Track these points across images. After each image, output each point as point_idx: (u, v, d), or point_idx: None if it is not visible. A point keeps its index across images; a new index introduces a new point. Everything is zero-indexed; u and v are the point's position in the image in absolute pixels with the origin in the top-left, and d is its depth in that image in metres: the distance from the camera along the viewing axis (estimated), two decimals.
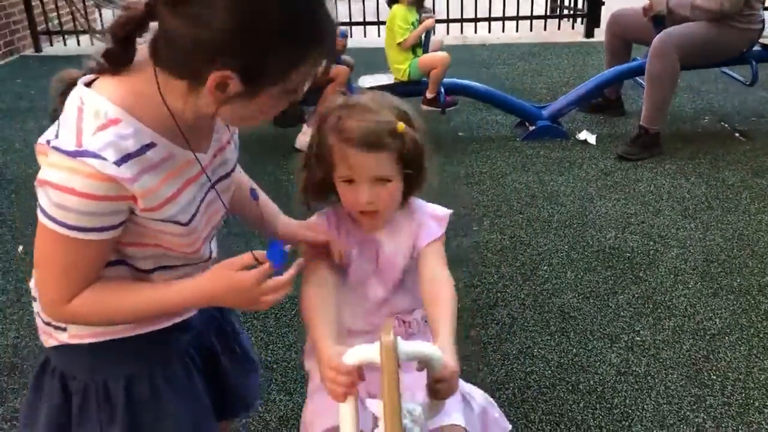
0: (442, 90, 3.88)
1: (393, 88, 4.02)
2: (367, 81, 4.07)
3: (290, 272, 1.06)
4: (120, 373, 1.10)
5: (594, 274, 2.54)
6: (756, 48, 3.79)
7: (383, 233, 1.31)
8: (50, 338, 1.11)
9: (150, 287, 1.06)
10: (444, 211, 1.35)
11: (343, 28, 4.02)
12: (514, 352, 2.12)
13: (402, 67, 3.89)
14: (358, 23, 6.42)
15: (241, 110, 0.97)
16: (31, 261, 2.68)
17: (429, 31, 3.97)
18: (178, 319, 1.14)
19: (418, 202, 1.35)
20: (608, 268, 2.57)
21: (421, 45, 3.92)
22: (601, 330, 2.22)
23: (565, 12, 6.95)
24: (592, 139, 3.83)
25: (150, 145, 0.96)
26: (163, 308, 1.06)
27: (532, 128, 3.91)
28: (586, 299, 2.39)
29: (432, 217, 1.33)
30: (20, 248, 2.83)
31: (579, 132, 3.91)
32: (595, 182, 3.32)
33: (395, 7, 3.86)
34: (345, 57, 4.00)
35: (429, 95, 3.91)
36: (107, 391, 1.10)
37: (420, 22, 3.88)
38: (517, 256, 2.66)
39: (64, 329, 1.09)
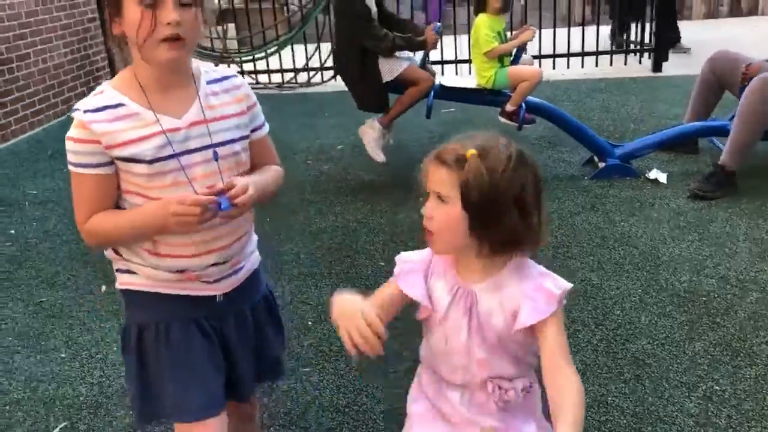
0: (524, 106, 3.88)
1: (472, 93, 4.07)
2: (449, 80, 4.12)
3: (200, 198, 1.29)
4: (134, 321, 1.45)
5: (669, 319, 2.48)
6: None
7: (482, 287, 1.27)
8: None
9: (128, 211, 1.36)
10: (558, 286, 1.24)
11: (437, 23, 4.11)
12: (588, 400, 2.08)
13: (487, 74, 3.91)
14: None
15: (131, 37, 1.29)
16: (113, 300, 2.80)
17: (521, 46, 3.99)
18: (192, 293, 1.42)
19: (533, 269, 1.27)
20: (683, 313, 2.51)
21: (510, 56, 3.93)
22: (677, 378, 2.16)
23: (632, 47, 6.88)
24: (663, 178, 3.76)
25: (119, 105, 1.32)
26: (133, 226, 1.34)
27: (602, 166, 3.87)
28: (661, 345, 2.33)
29: (540, 290, 1.23)
30: (103, 288, 2.97)
31: (649, 171, 3.84)
32: (667, 223, 3.25)
33: (481, 15, 3.90)
34: (429, 66, 4.07)
35: (510, 107, 3.91)
36: (127, 334, 1.46)
37: (507, 31, 3.92)
38: (588, 300, 2.63)
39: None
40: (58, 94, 6.17)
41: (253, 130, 1.47)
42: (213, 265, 1.42)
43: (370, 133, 3.96)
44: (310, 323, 2.60)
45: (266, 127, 1.52)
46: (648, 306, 2.57)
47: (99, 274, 3.10)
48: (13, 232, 3.64)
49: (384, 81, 3.86)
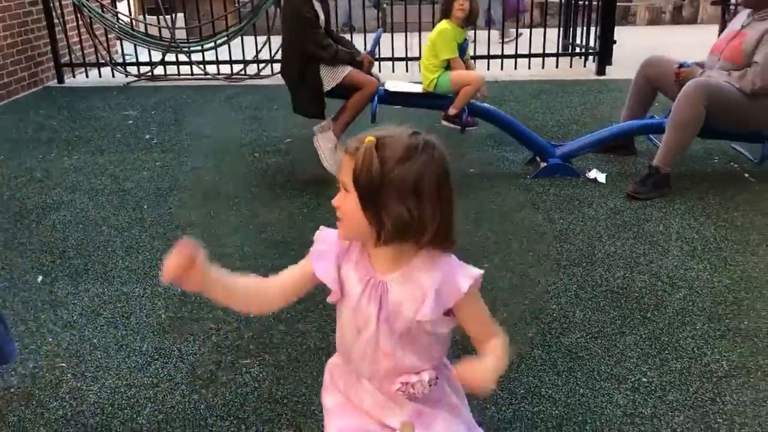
0: (466, 109, 3.95)
1: (418, 97, 4.11)
2: (392, 85, 4.15)
3: None
4: None
5: (602, 314, 2.56)
6: None
7: (393, 278, 1.28)
8: None
9: None
10: (475, 271, 1.28)
11: (380, 29, 4.12)
12: (521, 391, 2.15)
13: (432, 76, 3.96)
14: None
15: None
16: (49, 291, 2.76)
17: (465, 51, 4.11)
18: None
19: (444, 260, 1.28)
20: (616, 308, 2.60)
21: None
22: (608, 370, 2.24)
23: (577, 50, 7.05)
24: (602, 177, 3.87)
25: None
26: None
27: (543, 165, 3.96)
28: (594, 339, 2.41)
29: (447, 281, 1.26)
30: (39, 278, 2.90)
31: (589, 171, 3.96)
32: (604, 221, 3.36)
33: (444, 22, 3.95)
34: (375, 72, 4.10)
35: (452, 111, 3.98)
36: None
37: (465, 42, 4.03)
38: (525, 295, 2.70)
39: None
40: None
41: None
42: None
43: (326, 143, 3.94)
44: (251, 315, 2.59)
45: None
46: (583, 301, 2.65)
47: (36, 264, 3.03)
48: None
49: (326, 88, 3.87)
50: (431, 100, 4.07)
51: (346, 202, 1.22)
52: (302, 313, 2.58)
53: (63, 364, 2.31)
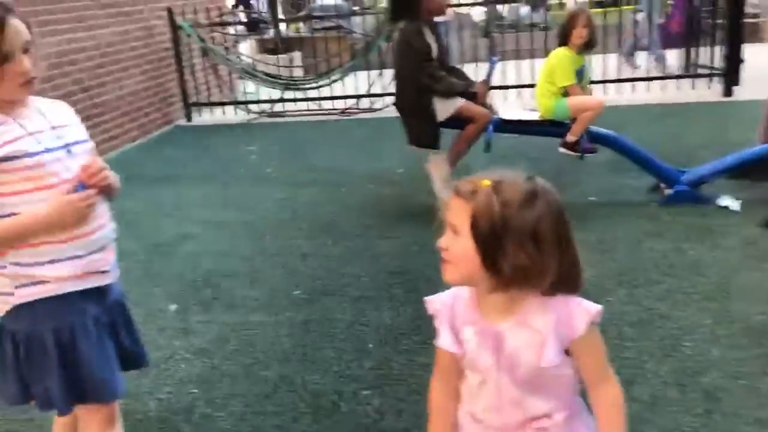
0: (585, 136, 3.85)
1: (535, 125, 4.04)
2: (509, 113, 4.11)
3: (82, 193, 1.54)
4: (49, 326, 1.57)
5: (742, 352, 2.38)
6: None
7: (507, 326, 1.24)
8: (2, 306, 1.58)
9: (21, 215, 1.52)
10: (593, 307, 1.23)
11: (494, 58, 4.10)
12: None
13: (549, 103, 3.89)
14: None
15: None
16: (182, 318, 2.88)
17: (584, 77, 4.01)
18: (88, 285, 1.61)
19: (561, 298, 1.23)
20: (757, 346, 2.41)
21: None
22: (751, 414, 2.07)
23: (700, 71, 6.72)
24: (735, 205, 3.64)
25: (1, 122, 1.52)
26: (25, 227, 1.52)
27: (668, 192, 3.78)
28: (734, 379, 2.24)
29: (565, 321, 1.22)
30: (173, 307, 3.07)
31: (720, 197, 3.73)
32: (739, 252, 3.14)
33: (562, 49, 3.88)
34: (488, 100, 4.08)
35: (570, 138, 3.88)
36: (42, 338, 1.57)
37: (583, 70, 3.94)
38: (655, 330, 2.56)
39: (12, 294, 1.56)
40: (134, 120, 6.45)
41: None
42: (97, 251, 1.62)
43: (439, 171, 3.94)
44: (370, 346, 2.62)
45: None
46: (719, 338, 2.48)
47: (170, 293, 3.21)
48: None
49: (439, 119, 3.89)
50: (548, 128, 3.99)
51: (457, 245, 1.19)
52: (422, 345, 2.57)
53: (195, 390, 2.43)
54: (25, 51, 1.53)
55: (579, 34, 3.87)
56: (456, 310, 1.30)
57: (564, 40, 3.93)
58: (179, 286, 3.28)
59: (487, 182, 1.17)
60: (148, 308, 3.07)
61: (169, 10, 6.82)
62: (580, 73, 4.01)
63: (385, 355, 2.54)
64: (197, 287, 3.25)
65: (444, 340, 1.30)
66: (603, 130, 4.03)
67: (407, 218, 3.90)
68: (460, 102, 3.86)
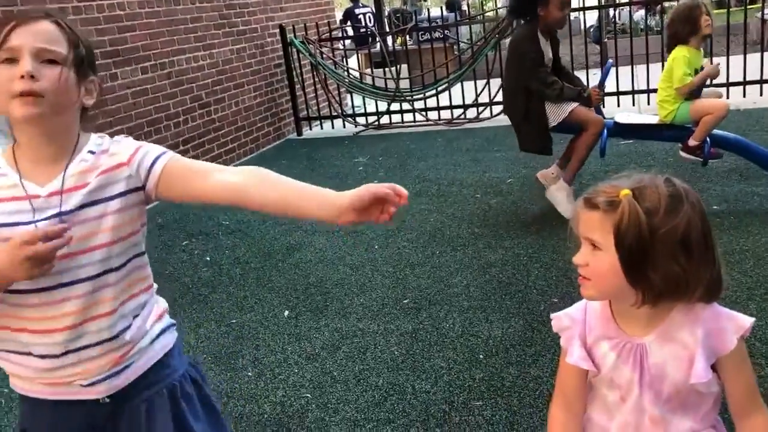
0: (708, 140, 3.64)
1: (652, 129, 3.87)
2: (624, 117, 3.96)
3: (52, 244, 1.11)
4: (20, 426, 1.31)
5: None
6: None
7: (651, 339, 1.17)
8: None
9: None
10: (738, 326, 1.15)
11: (610, 61, 3.98)
12: None
13: (671, 107, 3.72)
14: None
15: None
16: (295, 324, 2.96)
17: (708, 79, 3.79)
18: (65, 397, 1.25)
19: (705, 310, 1.16)
20: None
21: (694, 92, 3.74)
22: None
23: None
24: None
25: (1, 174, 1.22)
26: None
27: None
28: None
29: (715, 333, 1.14)
30: (286, 313, 3.16)
31: None
32: None
33: (680, 48, 3.68)
34: (602, 107, 3.96)
35: (692, 142, 3.68)
36: None
37: (703, 68, 3.71)
38: None
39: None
40: (248, 134, 6.73)
41: (148, 174, 1.26)
42: (66, 353, 1.20)
43: (560, 194, 3.85)
44: (481, 356, 2.58)
45: (165, 157, 1.28)
46: None
47: (283, 300, 3.31)
48: (209, 258, 3.99)
49: (551, 124, 3.81)
50: (668, 132, 3.80)
51: (598, 261, 1.13)
52: (533, 357, 2.51)
53: (308, 395, 2.48)
54: (45, 60, 1.17)
55: (706, 22, 3.64)
56: (589, 324, 1.23)
57: (681, 39, 3.71)
58: (291, 293, 3.37)
59: (626, 191, 1.10)
60: (261, 314, 3.18)
61: (281, 27, 7.08)
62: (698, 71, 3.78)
63: (496, 366, 2.50)
64: (309, 294, 3.33)
65: (576, 357, 1.22)
66: (727, 134, 3.79)
67: (516, 228, 3.83)
68: (572, 106, 3.76)
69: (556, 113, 3.78)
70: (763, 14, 7.01)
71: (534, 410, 2.21)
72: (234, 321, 3.15)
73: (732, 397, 1.19)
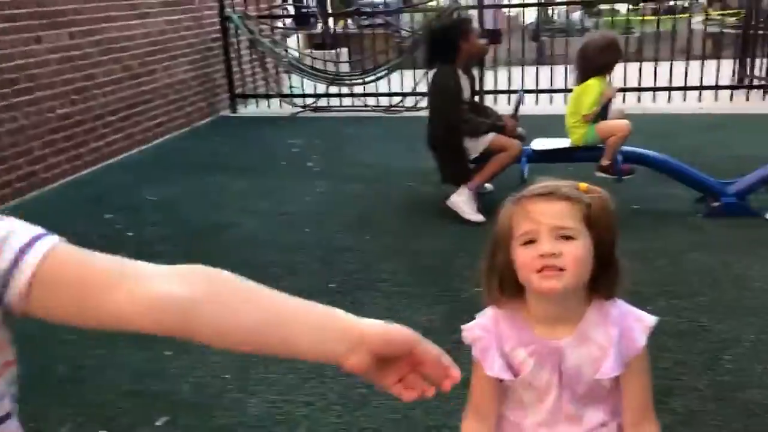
0: (619, 158, 3.79)
1: (568, 152, 3.99)
2: (539, 143, 4.06)
3: None
4: None
5: None
6: None
7: (567, 342, 1.20)
8: None
9: None
10: (650, 319, 1.20)
11: (521, 91, 4.08)
12: None
13: (580, 131, 3.85)
14: (541, 91, 6.48)
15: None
16: None
17: (609, 100, 3.92)
18: None
19: (615, 309, 1.20)
20: None
21: (600, 115, 3.87)
22: None
23: (755, 82, 6.53)
24: None
25: None
26: None
27: (715, 205, 3.68)
28: None
29: (625, 334, 1.18)
30: None
31: None
32: None
33: (595, 79, 3.80)
34: (519, 129, 4.05)
35: (604, 162, 3.83)
36: None
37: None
38: (695, 343, 2.49)
39: None
40: (180, 108, 6.56)
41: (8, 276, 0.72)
42: None
43: (460, 200, 3.91)
44: None
45: (41, 246, 0.74)
46: (762, 353, 2.41)
47: None
48: (131, 234, 3.88)
49: (471, 157, 3.92)
50: (582, 153, 3.93)
51: (574, 249, 1.13)
52: (455, 344, 2.55)
53: (228, 376, 2.45)
54: None
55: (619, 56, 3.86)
56: (503, 333, 1.23)
57: (599, 69, 3.81)
58: None
59: (584, 185, 1.17)
60: None
61: (219, 1, 6.91)
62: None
63: None
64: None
65: (496, 369, 1.22)
66: (635, 149, 3.93)
67: (445, 217, 3.88)
68: (490, 137, 3.88)
69: (476, 147, 3.89)
70: (689, 24, 7.31)
71: (451, 394, 2.25)
72: None
73: (629, 403, 1.22)
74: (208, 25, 6.99)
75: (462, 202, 3.88)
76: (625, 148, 3.84)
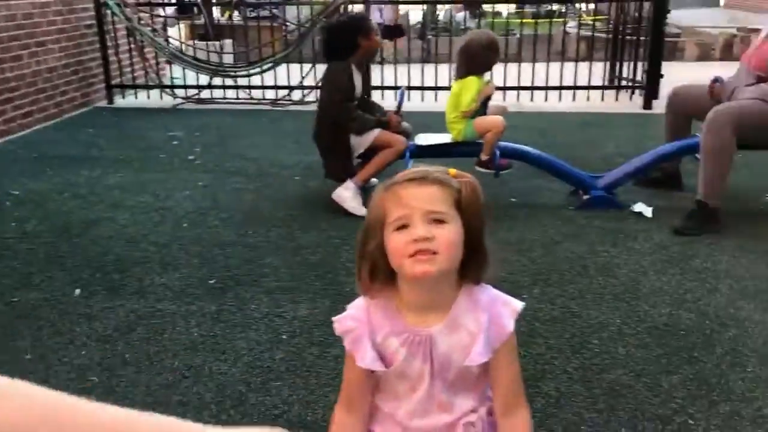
0: (497, 153, 3.91)
1: (449, 148, 4.07)
2: (422, 139, 4.12)
3: None
4: None
5: (646, 351, 2.45)
6: None
7: (438, 329, 1.20)
8: None
9: None
10: (518, 304, 1.23)
11: (402, 87, 4.12)
12: (559, 429, 2.05)
13: (459, 127, 3.94)
14: (424, 88, 6.57)
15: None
16: (86, 304, 2.76)
17: (488, 97, 4.03)
18: None
19: (484, 295, 1.22)
20: (661, 346, 2.49)
21: (479, 111, 3.96)
22: (652, 411, 2.13)
23: (624, 83, 6.95)
24: (647, 211, 3.76)
25: None
26: None
27: (586, 197, 3.88)
28: (638, 377, 2.30)
29: (494, 321, 1.20)
30: (77, 292, 2.92)
31: (634, 204, 3.85)
32: (649, 256, 3.25)
33: (472, 78, 3.87)
34: (404, 124, 4.09)
35: (483, 157, 3.94)
36: None
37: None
38: (566, 328, 2.60)
39: None
40: (50, 98, 6.14)
41: None
42: None
43: (345, 194, 3.91)
44: (284, 337, 2.56)
45: None
46: (626, 337, 2.55)
47: (75, 278, 3.05)
48: None
49: (356, 154, 3.94)
50: (462, 148, 4.02)
51: (446, 233, 1.13)
52: (336, 337, 2.53)
53: (94, 378, 2.31)
54: None
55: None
56: (375, 323, 1.22)
57: (480, 67, 3.91)
58: (85, 271, 3.12)
59: (453, 170, 1.18)
60: (49, 292, 2.91)
61: None
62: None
63: (299, 346, 2.49)
64: (105, 272, 3.11)
65: (368, 360, 1.20)
66: (513, 145, 4.08)
67: (331, 211, 3.85)
68: (375, 133, 3.91)
69: (361, 143, 3.91)
70: (565, 27, 7.67)
71: (332, 389, 2.23)
72: (15, 299, 2.86)
73: (498, 390, 1.23)
74: (82, 11, 6.59)
75: (348, 196, 3.87)
76: (503, 144, 3.97)
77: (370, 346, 1.21)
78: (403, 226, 1.13)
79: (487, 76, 4.06)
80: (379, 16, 8.02)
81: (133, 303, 2.82)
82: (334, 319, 1.29)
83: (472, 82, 3.87)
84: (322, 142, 4.03)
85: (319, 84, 6.57)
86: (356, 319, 1.24)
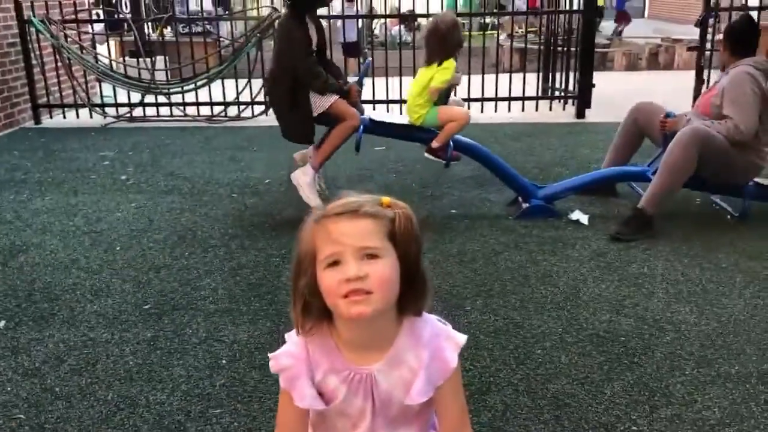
0: (451, 144, 3.91)
1: (404, 129, 4.07)
2: (378, 114, 4.10)
3: None
4: None
5: (588, 359, 2.48)
6: (750, 184, 3.80)
7: (379, 367, 1.17)
8: None
9: None
10: (461, 338, 1.21)
11: (369, 59, 4.04)
12: None
13: (421, 111, 3.92)
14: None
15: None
16: (12, 336, 2.61)
17: (451, 88, 4.04)
18: None
19: (426, 329, 1.19)
20: (602, 353, 2.52)
21: (441, 99, 3.96)
22: (596, 419, 2.15)
23: (557, 94, 7.11)
24: (584, 219, 3.83)
25: None
26: None
27: (525, 206, 3.92)
28: (581, 385, 2.32)
29: (435, 357, 1.17)
30: (2, 323, 2.77)
31: (571, 212, 3.92)
32: (588, 263, 3.30)
33: (449, 60, 3.83)
34: (359, 103, 4.07)
35: (435, 144, 3.93)
36: None
37: None
38: (510, 339, 2.61)
39: None
40: None
41: None
42: None
43: (304, 178, 3.88)
44: (223, 362, 2.47)
45: None
46: (568, 345, 2.57)
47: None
48: None
49: (315, 114, 3.83)
50: (417, 133, 4.03)
51: (381, 269, 1.08)
52: None
53: (21, 416, 2.17)
54: None
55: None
56: (314, 360, 1.17)
57: (450, 51, 3.88)
58: (11, 301, 2.96)
59: (386, 198, 1.13)
60: None
61: (17, 3, 6.29)
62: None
63: (239, 371, 2.41)
64: (33, 302, 2.95)
65: (308, 399, 1.16)
66: (468, 140, 4.12)
67: (271, 229, 3.78)
68: (334, 98, 3.84)
69: (319, 104, 3.82)
70: (498, 40, 7.80)
71: (274, 414, 2.16)
72: None
73: (445, 422, 1.22)
74: (4, 29, 6.33)
75: (305, 183, 3.81)
76: (457, 137, 3.98)
77: (309, 384, 1.17)
78: (335, 263, 1.09)
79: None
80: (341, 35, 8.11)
81: (63, 333, 2.69)
82: (270, 355, 1.24)
83: (450, 63, 3.86)
84: (279, 100, 3.89)
85: (255, 99, 6.54)
86: (293, 356, 1.19)
